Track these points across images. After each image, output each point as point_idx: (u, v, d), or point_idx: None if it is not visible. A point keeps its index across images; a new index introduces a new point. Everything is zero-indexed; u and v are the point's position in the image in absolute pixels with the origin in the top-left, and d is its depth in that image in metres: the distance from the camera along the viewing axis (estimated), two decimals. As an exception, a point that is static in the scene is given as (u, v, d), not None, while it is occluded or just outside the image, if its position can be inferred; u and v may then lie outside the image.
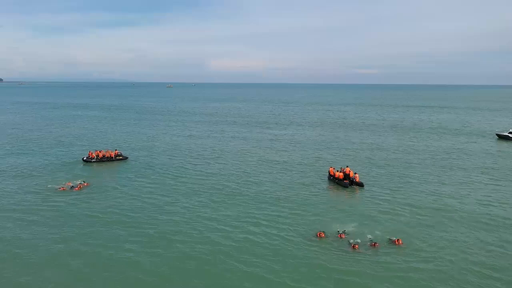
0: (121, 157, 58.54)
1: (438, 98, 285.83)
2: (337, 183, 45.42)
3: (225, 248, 28.60)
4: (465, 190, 43.14)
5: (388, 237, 29.95)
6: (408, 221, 33.75)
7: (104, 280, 24.38)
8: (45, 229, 31.90)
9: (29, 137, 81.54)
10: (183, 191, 42.57)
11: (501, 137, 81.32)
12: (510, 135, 79.98)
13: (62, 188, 42.82)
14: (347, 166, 48.25)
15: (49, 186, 43.89)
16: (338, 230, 31.21)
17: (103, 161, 56.68)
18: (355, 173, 45.80)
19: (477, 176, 49.66)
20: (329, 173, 47.94)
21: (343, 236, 30.08)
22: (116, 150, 60.22)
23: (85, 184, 44.32)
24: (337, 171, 46.71)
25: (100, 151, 58.17)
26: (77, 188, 42.80)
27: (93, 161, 56.34)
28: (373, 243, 28.68)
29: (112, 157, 57.79)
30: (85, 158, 57.04)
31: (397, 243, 28.90)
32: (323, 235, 30.31)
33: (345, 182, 44.53)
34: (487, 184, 45.97)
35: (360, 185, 44.37)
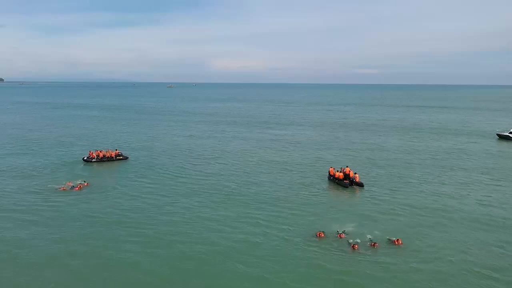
0: (121, 157, 58.59)
1: (438, 98, 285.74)
2: (337, 183, 45.44)
3: (225, 248, 28.62)
4: (465, 190, 43.13)
5: (387, 237, 29.95)
6: (408, 221, 33.76)
7: (104, 280, 24.41)
8: (45, 229, 31.93)
9: (29, 137, 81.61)
10: (183, 191, 42.60)
11: (501, 137, 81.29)
12: (510, 135, 79.94)
13: (62, 188, 42.86)
14: (347, 166, 48.25)
15: (49, 186, 43.94)
16: (338, 230, 31.22)
17: (103, 161, 56.73)
18: (355, 173, 45.81)
19: (478, 176, 49.65)
20: (329, 173, 47.95)
21: (343, 236, 30.10)
22: (116, 150, 60.29)
23: (86, 184, 44.36)
24: (337, 171, 46.72)
25: (100, 151, 58.23)
26: (77, 188, 42.83)
27: (94, 161, 56.39)
28: (372, 243, 28.69)
29: (113, 157, 57.84)
30: (85, 158, 57.10)
31: (396, 243, 28.91)
32: (323, 235, 30.33)
33: (345, 182, 44.54)
34: (488, 184, 45.95)
35: (360, 185, 44.37)
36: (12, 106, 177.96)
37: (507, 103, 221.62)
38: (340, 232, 30.66)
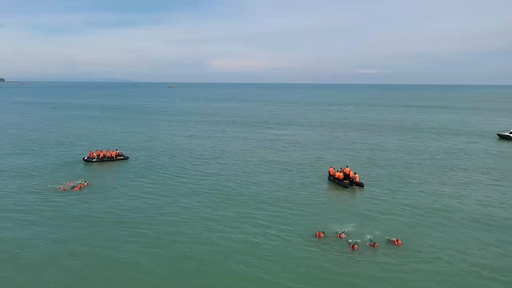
0: (122, 157, 58.63)
1: (438, 98, 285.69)
2: (337, 183, 45.44)
3: (225, 248, 28.63)
4: (465, 191, 43.12)
5: (387, 237, 29.94)
6: (408, 221, 33.76)
7: (104, 280, 24.43)
8: (45, 229, 31.94)
9: (29, 137, 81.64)
10: (183, 191, 42.61)
11: (502, 137, 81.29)
12: (511, 135, 79.93)
13: (62, 188, 42.87)
14: (347, 166, 48.26)
15: (49, 186, 43.95)
16: (338, 230, 31.21)
17: (104, 161, 56.77)
18: (355, 173, 45.82)
19: (478, 176, 49.64)
20: (329, 173, 47.96)
21: (343, 236, 30.10)
22: (117, 150, 60.33)
23: (86, 184, 44.37)
24: (337, 171, 46.72)
25: (101, 151, 58.27)
26: (77, 188, 42.85)
27: (94, 161, 56.43)
28: (372, 243, 28.69)
29: (113, 157, 57.88)
30: (86, 158, 57.13)
31: (396, 243, 28.91)
32: (323, 235, 30.34)
33: (345, 182, 44.54)
34: (488, 184, 45.94)
35: (360, 185, 44.37)
36: (12, 106, 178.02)
37: (507, 103, 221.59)
38: (340, 232, 30.67)
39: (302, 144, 74.03)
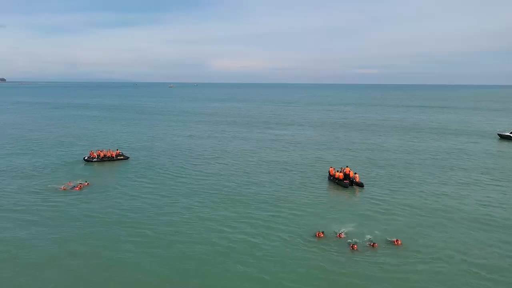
0: (122, 157, 58.64)
1: (438, 98, 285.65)
2: (337, 183, 45.44)
3: (225, 248, 28.63)
4: (466, 191, 43.12)
5: (387, 237, 29.95)
6: (408, 222, 33.76)
7: (104, 280, 24.43)
8: (45, 229, 31.95)
9: (29, 137, 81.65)
10: (183, 191, 42.62)
11: (502, 137, 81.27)
12: (511, 135, 79.92)
13: (63, 188, 42.88)
14: (347, 166, 48.27)
15: (49, 186, 43.96)
16: (337, 230, 31.22)
17: (104, 160, 56.80)
18: (355, 173, 45.82)
19: (478, 176, 49.64)
20: (329, 173, 47.97)
21: (342, 236, 30.11)
22: (117, 150, 60.35)
23: (86, 184, 44.38)
24: (337, 171, 46.73)
25: (101, 151, 58.31)
26: (77, 188, 42.86)
27: (94, 161, 56.46)
28: (372, 244, 28.69)
29: (113, 157, 57.91)
30: (86, 158, 57.16)
31: (396, 243, 28.91)
32: (322, 235, 30.34)
33: (345, 182, 44.54)
34: (488, 184, 45.94)
35: (360, 185, 44.38)
36: (12, 106, 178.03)
37: (507, 103, 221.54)
38: (340, 232, 30.68)
39: (302, 144, 74.03)
